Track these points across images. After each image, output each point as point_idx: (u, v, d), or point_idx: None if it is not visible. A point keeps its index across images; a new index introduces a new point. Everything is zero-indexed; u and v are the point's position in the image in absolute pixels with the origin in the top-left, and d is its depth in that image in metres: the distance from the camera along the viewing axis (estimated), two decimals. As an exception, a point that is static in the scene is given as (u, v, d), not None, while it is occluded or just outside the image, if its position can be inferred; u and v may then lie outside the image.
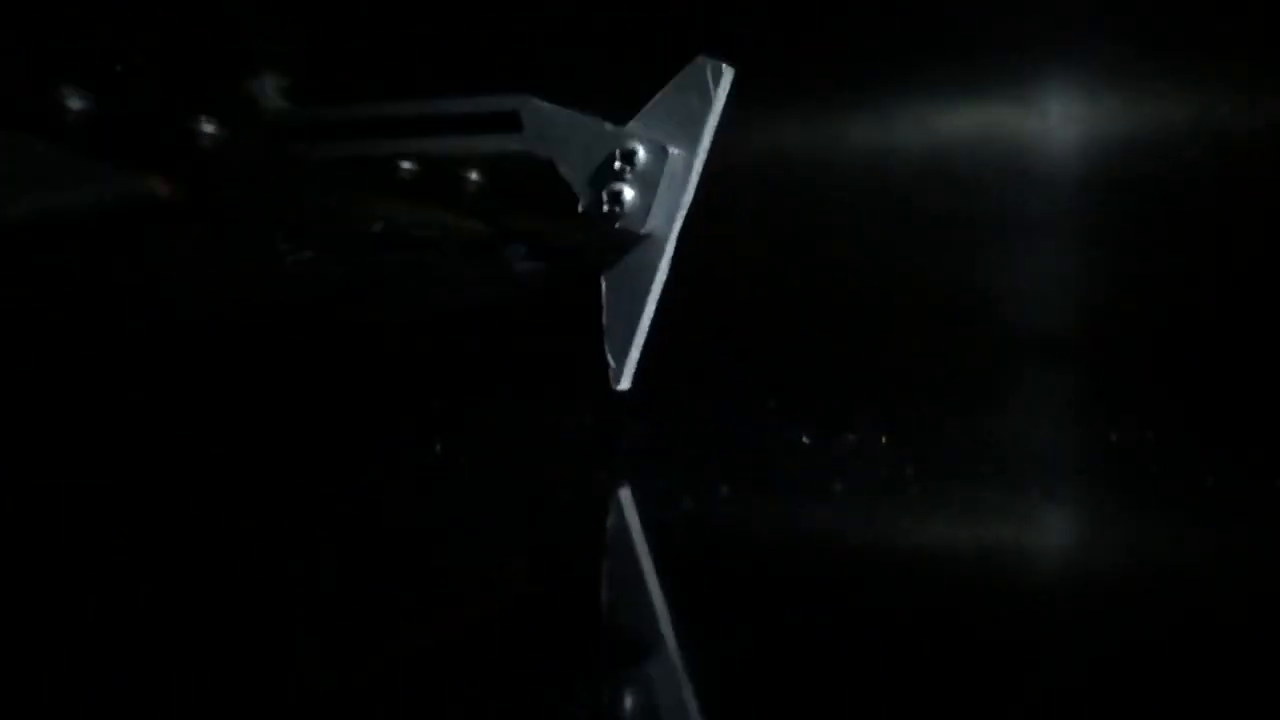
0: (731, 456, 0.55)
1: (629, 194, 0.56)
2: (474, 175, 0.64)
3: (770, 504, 0.47)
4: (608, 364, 0.57)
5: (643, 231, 0.56)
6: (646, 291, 0.57)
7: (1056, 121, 0.89)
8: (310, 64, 0.65)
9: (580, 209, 0.57)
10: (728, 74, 0.56)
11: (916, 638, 0.32)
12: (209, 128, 0.56)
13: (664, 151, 0.56)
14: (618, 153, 0.56)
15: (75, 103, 0.51)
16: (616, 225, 0.56)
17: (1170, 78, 0.88)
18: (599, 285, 0.58)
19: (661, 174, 0.56)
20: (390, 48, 0.86)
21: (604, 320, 0.57)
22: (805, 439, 0.56)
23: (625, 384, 0.57)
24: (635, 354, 0.57)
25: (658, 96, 0.57)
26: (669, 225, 0.57)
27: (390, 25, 0.86)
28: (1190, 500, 0.47)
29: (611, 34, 0.91)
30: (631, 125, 0.57)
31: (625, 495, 0.50)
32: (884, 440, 0.56)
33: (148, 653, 0.31)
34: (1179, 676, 0.29)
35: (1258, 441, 0.58)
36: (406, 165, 0.62)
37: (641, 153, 0.56)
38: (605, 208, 0.56)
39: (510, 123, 0.59)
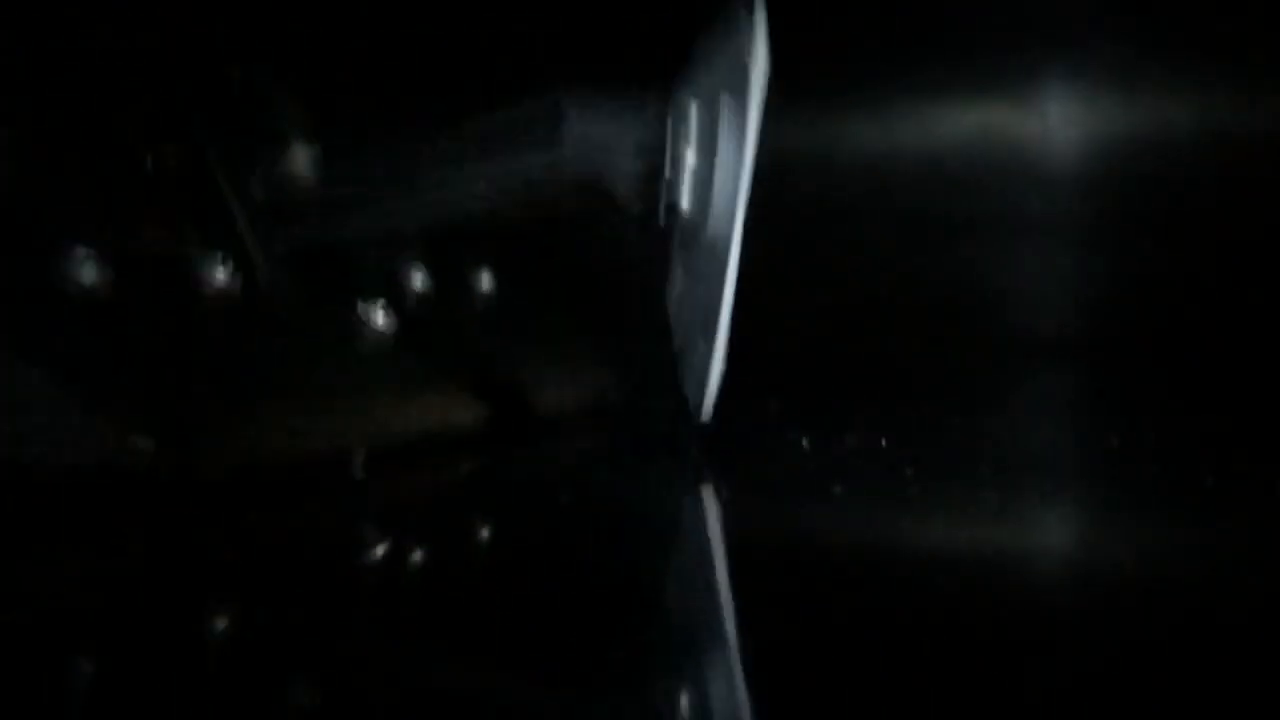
0: (732, 457, 0.55)
1: (689, 164, 0.49)
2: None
3: (770, 505, 0.47)
4: (685, 397, 0.50)
5: (707, 230, 0.49)
6: (717, 308, 0.50)
7: (1056, 123, 0.89)
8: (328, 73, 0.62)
9: (632, 215, 0.51)
10: (759, 7, 0.50)
11: (917, 638, 0.32)
12: (219, 275, 0.51)
13: (716, 103, 0.49)
14: (669, 123, 0.50)
15: (87, 274, 0.47)
16: (676, 227, 0.50)
17: (1170, 78, 0.88)
18: (664, 310, 0.51)
19: (717, 135, 0.49)
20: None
21: (675, 346, 0.51)
22: (805, 443, 0.56)
23: (708, 416, 0.50)
24: (715, 382, 0.50)
25: (694, 53, 0.51)
26: (729, 226, 0.49)
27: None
28: (1190, 500, 0.47)
29: (611, 35, 0.91)
30: (676, 92, 0.51)
31: (626, 496, 0.50)
32: (884, 443, 0.56)
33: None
34: (1179, 676, 0.29)
35: (1258, 442, 0.58)
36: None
37: (693, 111, 0.49)
38: (662, 221, 0.50)
39: (547, 132, 0.52)
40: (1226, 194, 0.86)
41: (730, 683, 0.29)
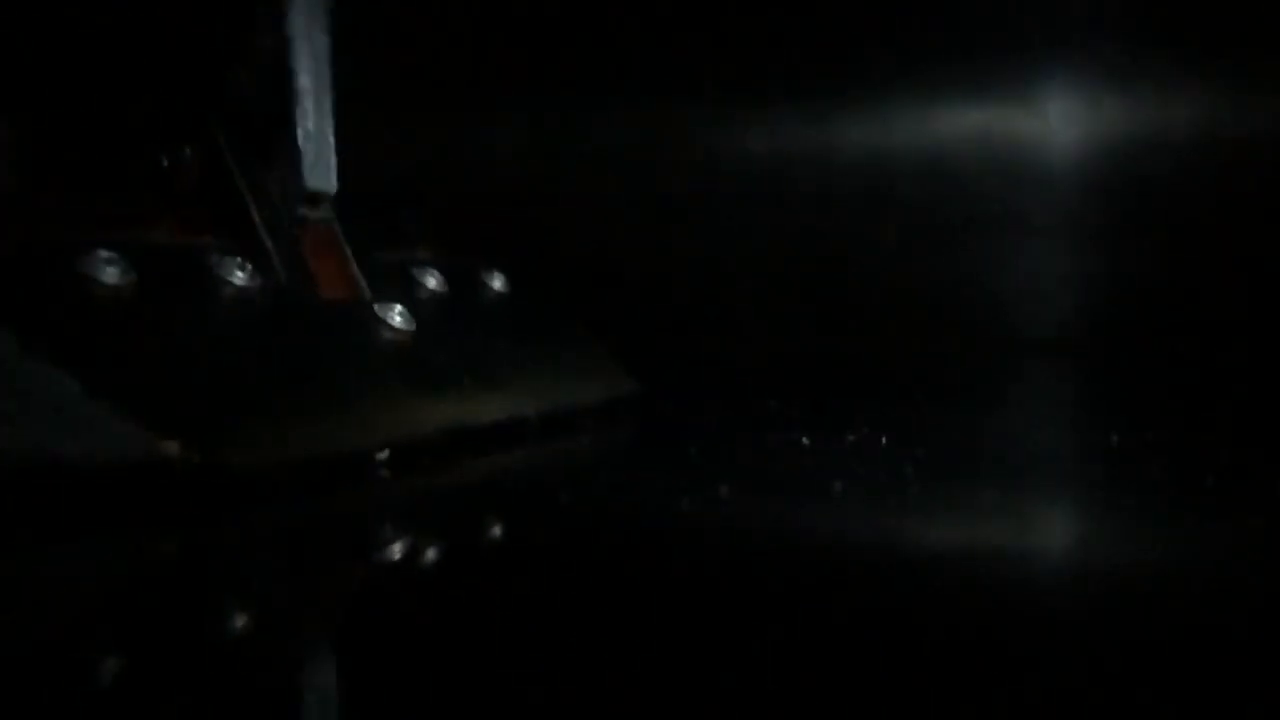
0: (732, 456, 0.55)
1: None
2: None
3: (770, 504, 0.47)
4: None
5: None
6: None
7: (1056, 122, 0.89)
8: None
9: None
10: None
11: (917, 638, 0.32)
12: (237, 275, 0.51)
13: None
14: None
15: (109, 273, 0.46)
16: None
17: (1170, 78, 0.88)
18: None
19: None
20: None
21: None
22: (805, 440, 0.56)
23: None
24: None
25: None
26: None
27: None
28: (1190, 500, 0.47)
29: (609, 33, 0.91)
30: None
31: (624, 495, 0.50)
32: (884, 441, 0.56)
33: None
34: (1180, 676, 0.29)
35: (1258, 441, 0.58)
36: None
37: None
38: None
39: None
40: (1226, 194, 0.86)
41: (730, 683, 0.29)
